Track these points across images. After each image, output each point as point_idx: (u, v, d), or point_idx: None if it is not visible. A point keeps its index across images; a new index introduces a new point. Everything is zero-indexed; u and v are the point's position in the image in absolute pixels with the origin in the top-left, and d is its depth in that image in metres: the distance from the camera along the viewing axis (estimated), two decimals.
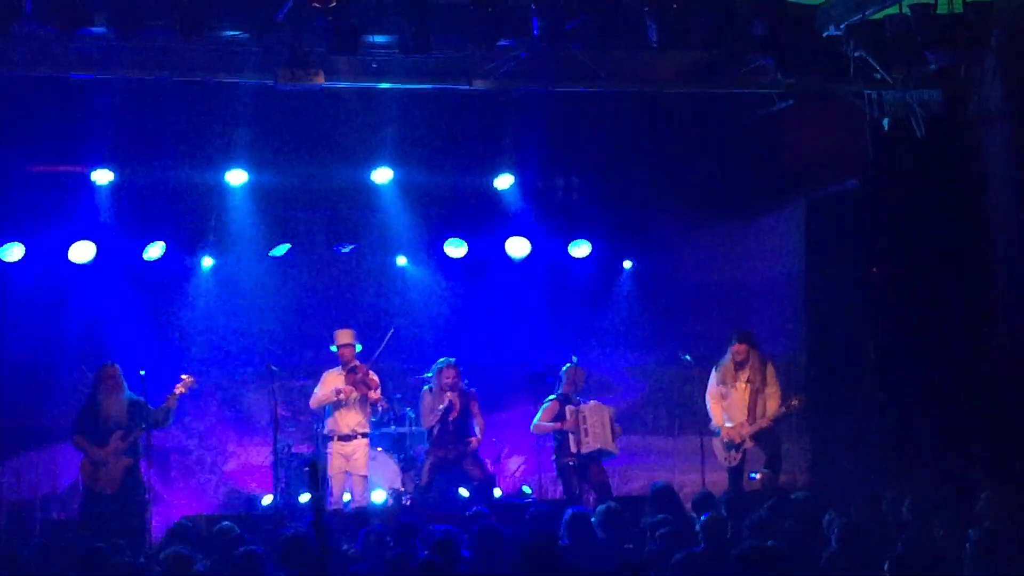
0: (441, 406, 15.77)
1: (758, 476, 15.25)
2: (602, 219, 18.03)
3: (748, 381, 15.29)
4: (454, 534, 10.85)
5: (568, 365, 16.05)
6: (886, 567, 9.26)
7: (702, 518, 11.15)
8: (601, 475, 15.79)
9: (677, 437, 17.01)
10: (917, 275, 15.04)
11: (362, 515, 13.87)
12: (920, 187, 14.93)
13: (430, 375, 16.20)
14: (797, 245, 17.28)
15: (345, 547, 11.64)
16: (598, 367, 17.43)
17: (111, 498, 14.06)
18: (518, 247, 17.79)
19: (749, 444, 15.22)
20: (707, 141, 16.64)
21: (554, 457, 16.04)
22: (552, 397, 16.00)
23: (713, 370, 15.61)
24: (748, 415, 15.24)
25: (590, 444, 15.62)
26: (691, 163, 16.97)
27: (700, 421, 15.76)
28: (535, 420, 16.02)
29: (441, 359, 16.02)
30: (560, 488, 16.14)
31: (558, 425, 15.77)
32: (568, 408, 15.74)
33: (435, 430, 15.87)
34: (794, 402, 15.30)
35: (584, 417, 15.67)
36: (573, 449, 15.67)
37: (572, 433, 15.69)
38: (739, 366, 15.34)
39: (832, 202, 16.73)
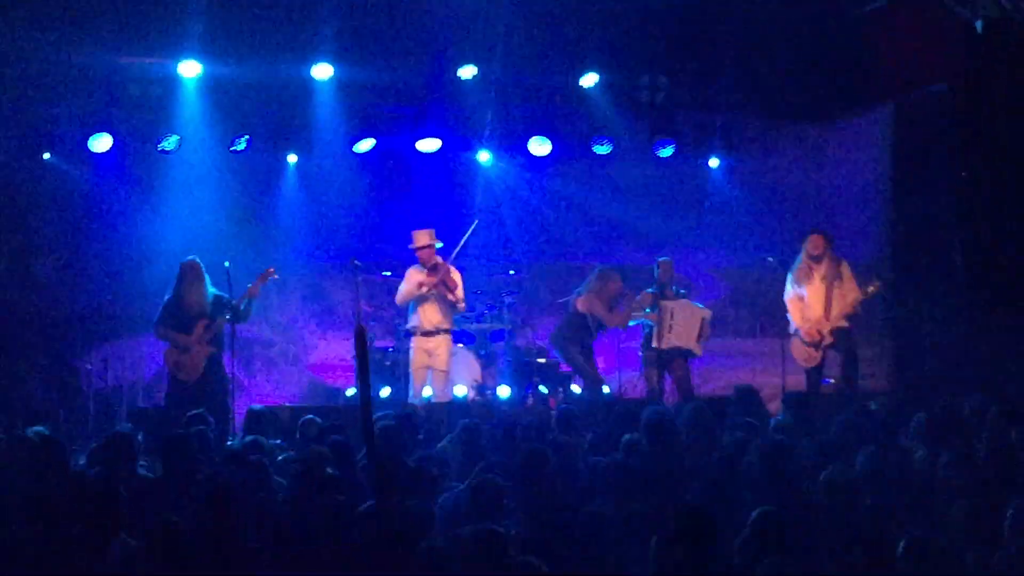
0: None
1: (832, 382, 15.20)
2: (687, 120, 17.88)
3: (824, 278, 15.18)
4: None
5: (662, 258, 15.99)
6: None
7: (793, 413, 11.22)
8: (682, 371, 15.78)
9: (758, 339, 17.02)
10: (1007, 180, 14.84)
11: (459, 408, 14.02)
12: (1011, 91, 14.67)
13: (512, 272, 16.30)
14: (884, 149, 17.08)
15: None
16: (680, 268, 17.33)
17: (194, 386, 14.26)
18: (602, 146, 17.70)
19: (828, 341, 15.13)
20: (795, 42, 16.42)
21: (640, 351, 16.04)
22: (649, 290, 15.95)
23: (789, 273, 15.52)
24: (825, 312, 15.15)
25: (671, 340, 15.61)
26: (778, 65, 16.77)
27: (781, 323, 15.69)
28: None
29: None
30: (640, 387, 16.15)
31: (639, 315, 15.77)
32: (659, 302, 15.71)
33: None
34: (871, 288, 15.11)
35: (671, 313, 15.64)
36: (654, 343, 15.68)
37: (655, 326, 15.68)
38: (814, 261, 15.16)
39: (921, 106, 16.51)
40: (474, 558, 7.52)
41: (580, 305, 15.97)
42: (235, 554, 8.21)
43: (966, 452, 9.94)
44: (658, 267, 15.95)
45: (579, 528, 8.49)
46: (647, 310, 15.75)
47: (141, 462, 10.41)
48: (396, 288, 16.03)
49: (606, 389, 16.92)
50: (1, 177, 16.03)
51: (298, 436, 11.68)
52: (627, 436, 10.58)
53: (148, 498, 9.49)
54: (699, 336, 15.67)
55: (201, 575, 7.93)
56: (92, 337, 16.85)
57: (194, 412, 11.62)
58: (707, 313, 15.80)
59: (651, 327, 15.77)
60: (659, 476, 9.86)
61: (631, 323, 16.05)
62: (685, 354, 15.72)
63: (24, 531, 8.58)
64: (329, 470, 10.03)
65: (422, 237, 15.84)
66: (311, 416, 11.95)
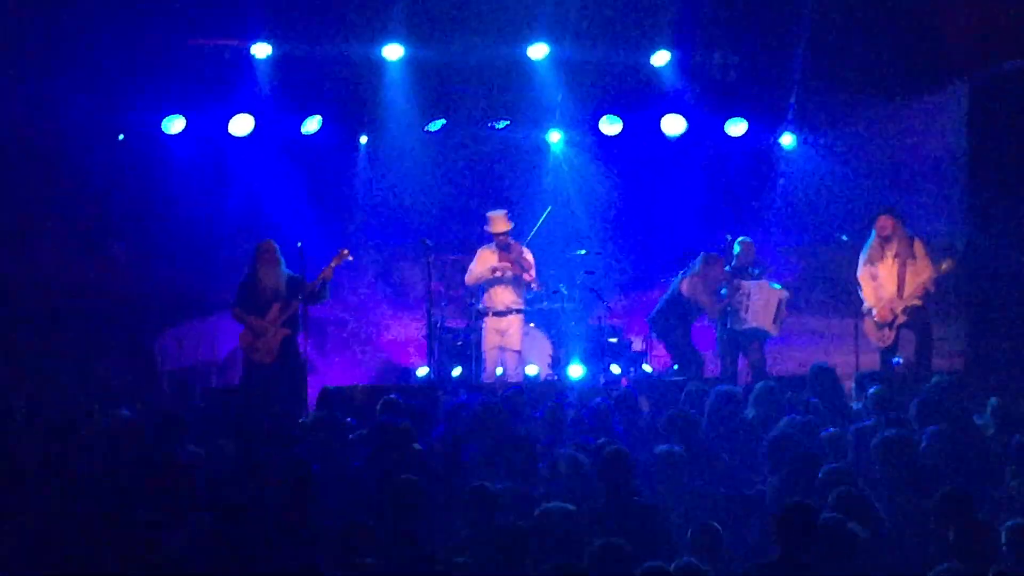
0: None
1: (901, 361, 15.05)
2: (759, 97, 17.73)
3: (896, 256, 15.04)
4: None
5: (743, 238, 15.88)
6: None
7: (870, 391, 11.13)
8: (758, 353, 15.65)
9: (831, 318, 16.87)
10: None
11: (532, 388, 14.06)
12: None
13: (583, 252, 16.29)
14: (959, 127, 16.89)
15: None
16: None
17: (269, 368, 14.34)
18: (674, 125, 17.60)
19: (902, 319, 14.99)
20: (869, 16, 16.25)
21: (716, 331, 15.96)
22: (725, 268, 15.89)
23: (861, 253, 15.38)
24: (898, 290, 15.01)
25: (747, 321, 15.49)
26: (852, 40, 16.59)
27: (855, 302, 15.53)
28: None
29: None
30: (715, 367, 16.06)
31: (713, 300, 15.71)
32: (735, 281, 15.61)
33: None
34: (944, 266, 14.95)
35: (748, 294, 15.53)
36: (730, 324, 15.58)
37: (731, 308, 15.59)
38: (885, 241, 15.05)
39: (998, 82, 16.31)
40: None
41: (684, 288, 15.87)
42: (306, 531, 8.28)
43: None
44: (739, 247, 15.81)
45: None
46: (722, 291, 15.63)
47: (219, 442, 10.50)
48: (468, 268, 16.06)
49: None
50: (77, 159, 16.16)
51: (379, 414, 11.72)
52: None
53: (221, 478, 9.59)
54: (775, 317, 15.49)
55: (272, 553, 7.99)
56: (166, 318, 17.02)
57: (269, 395, 11.72)
58: (784, 294, 15.59)
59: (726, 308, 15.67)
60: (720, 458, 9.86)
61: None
62: (761, 335, 15.59)
63: (102, 509, 8.71)
64: (416, 445, 10.14)
65: (497, 221, 15.85)
66: (394, 396, 11.95)
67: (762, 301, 15.43)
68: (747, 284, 15.50)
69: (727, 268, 15.76)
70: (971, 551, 7.58)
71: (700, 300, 15.77)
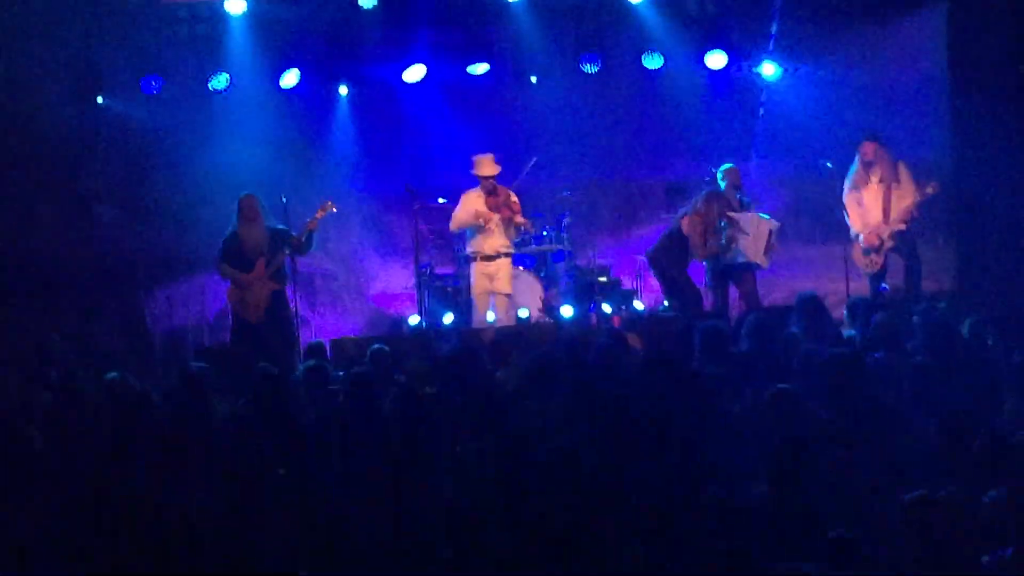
0: None
1: (888, 289, 15.06)
2: (738, 29, 17.64)
3: (880, 180, 15.03)
4: None
5: (726, 165, 15.70)
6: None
7: (873, 320, 11.13)
8: (750, 284, 15.59)
9: (820, 246, 16.88)
10: None
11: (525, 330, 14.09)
12: None
13: (567, 194, 16.28)
14: (940, 48, 16.82)
15: None
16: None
17: (259, 323, 14.36)
18: (653, 60, 17.51)
19: (889, 244, 15.00)
20: None
21: (706, 265, 15.90)
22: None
23: (845, 179, 15.37)
24: (883, 215, 15.01)
25: (738, 254, 15.40)
26: None
27: (843, 229, 15.55)
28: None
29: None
30: (708, 300, 16.02)
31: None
32: (730, 216, 15.50)
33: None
34: (929, 189, 14.94)
35: (738, 226, 15.43)
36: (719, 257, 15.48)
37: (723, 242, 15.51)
38: (868, 166, 15.04)
39: (976, 2, 16.24)
40: None
41: (684, 226, 15.75)
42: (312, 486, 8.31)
43: None
44: (723, 176, 15.65)
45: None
46: (723, 225, 15.46)
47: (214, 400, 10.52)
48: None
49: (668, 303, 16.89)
50: (57, 122, 16.07)
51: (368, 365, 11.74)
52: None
53: (224, 438, 9.60)
54: (766, 248, 15.41)
55: (283, 513, 8.02)
56: (155, 278, 17.00)
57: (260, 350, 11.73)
58: (775, 224, 15.46)
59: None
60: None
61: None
62: (752, 267, 15.55)
63: (106, 473, 8.73)
64: (428, 388, 10.18)
65: (483, 160, 15.80)
66: (379, 345, 11.99)
67: (752, 232, 15.36)
68: (736, 216, 15.40)
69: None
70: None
71: (693, 242, 15.64)
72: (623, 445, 8.52)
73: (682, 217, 15.79)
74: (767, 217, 15.57)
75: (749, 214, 15.44)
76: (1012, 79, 15.46)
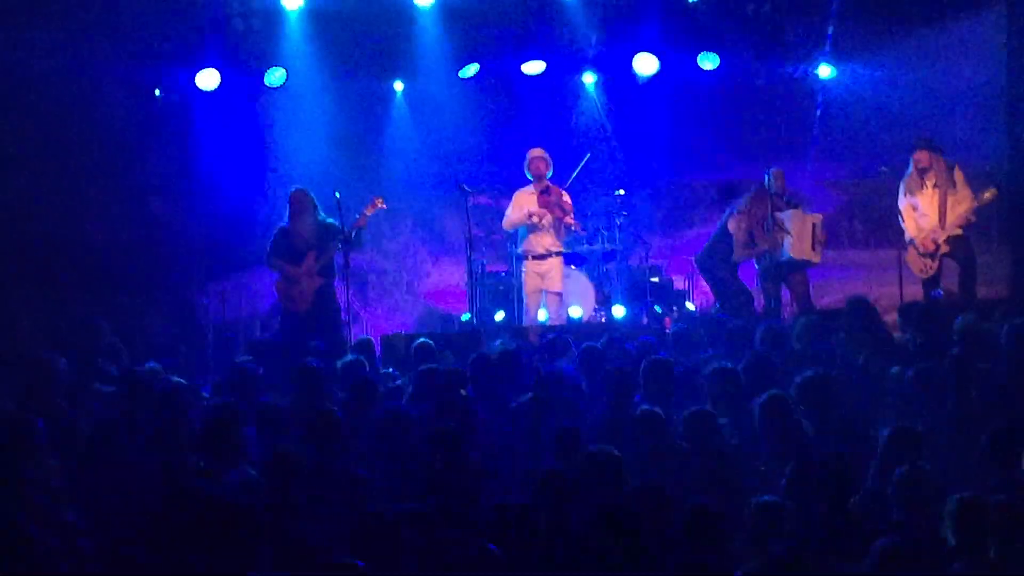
0: None
1: (943, 294, 14.92)
2: (795, 30, 17.56)
3: (936, 186, 14.90)
4: None
5: (774, 168, 15.58)
6: None
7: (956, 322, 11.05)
8: (801, 285, 15.52)
9: (874, 250, 16.77)
10: None
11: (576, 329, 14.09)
12: None
13: (621, 192, 16.22)
14: (998, 48, 16.67)
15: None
16: (793, 180, 17.08)
17: (306, 316, 14.40)
18: (709, 61, 17.44)
19: (944, 249, 14.88)
20: None
21: (757, 265, 15.82)
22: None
23: (900, 183, 15.26)
24: (940, 220, 14.88)
25: (786, 252, 15.32)
26: None
27: (897, 233, 15.43)
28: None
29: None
30: (758, 301, 15.95)
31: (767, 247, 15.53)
32: (775, 216, 15.42)
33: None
34: (987, 195, 14.80)
35: (782, 225, 15.36)
36: (769, 257, 15.39)
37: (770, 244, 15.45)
38: (922, 172, 14.92)
39: None
40: None
41: (731, 226, 15.69)
42: (346, 481, 8.33)
43: None
44: (771, 177, 15.62)
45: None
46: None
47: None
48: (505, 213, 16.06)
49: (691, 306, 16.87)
50: (115, 116, 16.19)
51: (414, 361, 11.80)
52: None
53: (269, 429, 9.65)
54: (813, 243, 15.32)
55: (313, 505, 8.05)
56: (209, 272, 17.12)
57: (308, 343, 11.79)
58: (817, 218, 15.41)
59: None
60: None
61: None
62: (802, 265, 15.46)
63: (148, 461, 8.80)
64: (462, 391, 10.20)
65: (536, 152, 15.79)
66: (424, 339, 12.04)
67: (796, 229, 15.28)
68: (780, 216, 15.34)
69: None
70: None
71: (737, 239, 15.57)
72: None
73: (729, 217, 15.72)
74: (808, 213, 15.50)
75: (791, 211, 15.37)
76: None
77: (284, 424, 9.78)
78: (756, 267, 15.75)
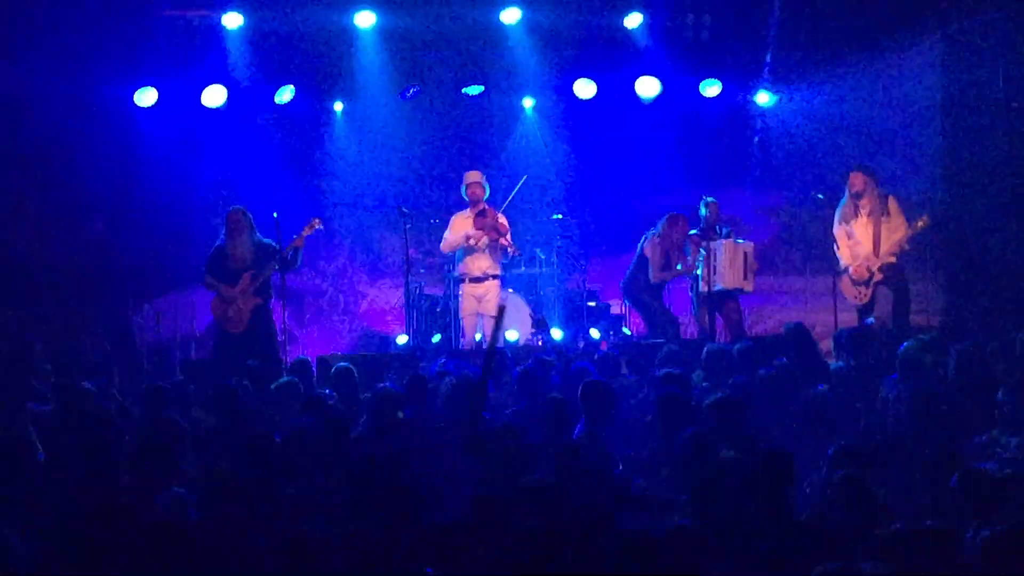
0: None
1: (873, 321, 15.02)
2: (733, 58, 17.70)
3: (869, 214, 15.02)
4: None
5: (709, 198, 15.81)
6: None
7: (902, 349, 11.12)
8: (735, 313, 15.65)
9: (808, 277, 16.86)
10: None
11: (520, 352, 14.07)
12: None
13: (559, 216, 16.25)
14: (934, 80, 16.86)
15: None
16: (732, 207, 17.25)
17: (241, 337, 14.33)
18: (648, 87, 17.55)
19: (878, 277, 15.00)
20: None
21: (691, 293, 15.92)
22: (693, 231, 15.80)
23: (836, 211, 15.37)
24: (873, 248, 15.01)
25: (717, 283, 15.47)
26: None
27: (832, 260, 15.56)
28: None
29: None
30: (692, 329, 16.05)
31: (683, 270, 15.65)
32: (704, 244, 15.54)
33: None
34: (920, 223, 14.93)
35: (714, 255, 15.50)
36: (703, 287, 15.54)
37: (701, 271, 15.54)
38: (857, 197, 15.01)
39: (972, 35, 16.28)
40: None
41: (647, 249, 15.79)
42: (281, 502, 8.28)
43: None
44: (705, 207, 15.79)
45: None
46: (686, 251, 15.56)
47: (192, 413, 10.53)
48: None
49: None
50: (51, 134, 16.09)
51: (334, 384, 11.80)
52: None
53: (198, 449, 9.60)
54: (745, 272, 15.49)
55: (250, 524, 7.99)
56: (145, 291, 17.01)
57: (242, 364, 11.75)
58: (749, 246, 15.58)
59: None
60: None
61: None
62: (734, 295, 15.60)
63: (79, 481, 8.72)
64: (400, 414, 10.16)
65: (472, 176, 15.83)
66: (345, 364, 12.06)
67: (728, 259, 15.43)
68: (712, 246, 15.46)
69: (694, 231, 15.73)
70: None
71: (652, 260, 15.64)
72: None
73: (645, 241, 15.82)
74: (741, 240, 15.63)
75: (724, 241, 15.51)
76: (1003, 114, 15.49)
77: (215, 444, 9.74)
78: (690, 295, 15.86)
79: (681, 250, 15.60)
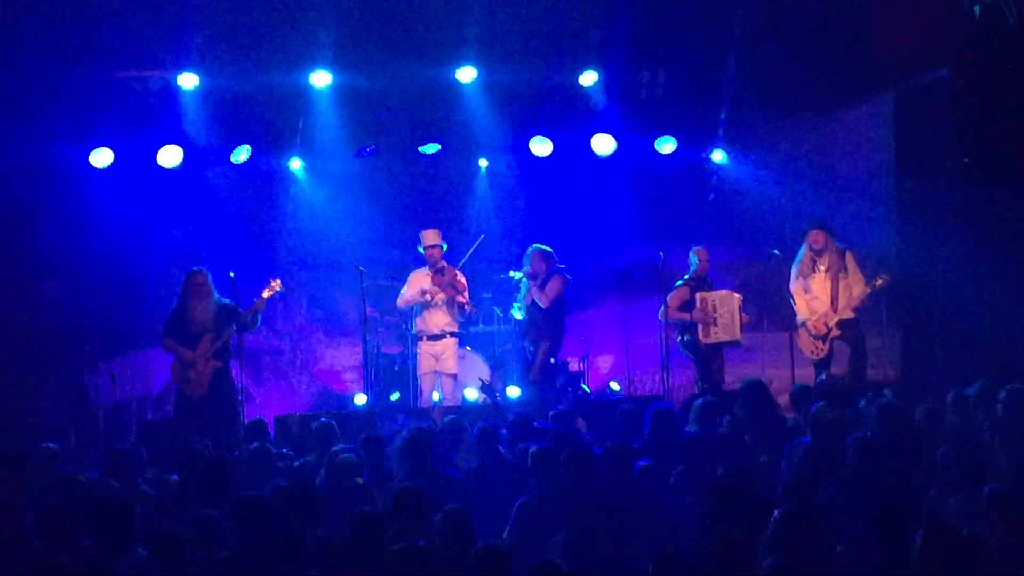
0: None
1: (824, 377, 15.04)
2: (688, 115, 17.81)
3: (828, 269, 15.11)
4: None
5: (698, 247, 15.82)
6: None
7: (813, 409, 11.10)
8: (721, 371, 15.67)
9: (766, 333, 16.91)
10: (1010, 165, 14.80)
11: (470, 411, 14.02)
12: (1012, 76, 14.66)
13: (517, 275, 16.27)
14: (886, 138, 17.04)
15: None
16: (683, 262, 17.29)
17: (202, 399, 14.24)
18: (603, 144, 17.63)
19: (836, 333, 15.07)
20: (795, 32, 16.40)
21: (681, 340, 15.78)
22: (680, 282, 15.84)
23: (792, 266, 15.45)
24: (831, 303, 15.09)
25: (719, 335, 15.45)
26: (778, 56, 16.71)
27: (789, 316, 15.64)
28: (663, 307, 15.70)
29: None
30: (647, 385, 16.04)
31: (687, 316, 15.54)
32: (698, 296, 15.57)
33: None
34: (879, 281, 15.04)
35: (714, 306, 15.50)
36: (701, 338, 15.49)
37: (700, 323, 15.56)
38: (817, 254, 15.11)
39: (922, 93, 16.48)
40: None
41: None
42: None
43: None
44: (696, 256, 15.76)
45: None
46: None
47: (148, 475, 10.46)
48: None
49: (615, 386, 16.89)
50: (4, 195, 16.03)
51: (314, 441, 11.69)
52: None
53: (154, 511, 9.53)
54: (740, 324, 15.52)
55: None
56: (100, 352, 16.85)
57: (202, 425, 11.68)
58: (739, 298, 15.63)
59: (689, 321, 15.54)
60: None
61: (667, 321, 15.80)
62: (725, 346, 15.62)
63: (38, 543, 8.64)
64: (359, 480, 10.09)
65: (430, 236, 15.86)
66: (326, 419, 11.96)
67: (728, 312, 15.45)
68: (711, 296, 15.48)
69: (679, 283, 15.70)
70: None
71: (535, 296, 15.63)
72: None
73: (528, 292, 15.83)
74: (733, 293, 15.66)
75: (720, 292, 15.56)
76: (956, 170, 15.65)
77: (173, 506, 9.67)
78: (677, 342, 15.78)
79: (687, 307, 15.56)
